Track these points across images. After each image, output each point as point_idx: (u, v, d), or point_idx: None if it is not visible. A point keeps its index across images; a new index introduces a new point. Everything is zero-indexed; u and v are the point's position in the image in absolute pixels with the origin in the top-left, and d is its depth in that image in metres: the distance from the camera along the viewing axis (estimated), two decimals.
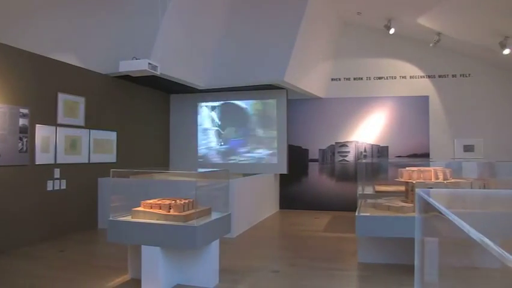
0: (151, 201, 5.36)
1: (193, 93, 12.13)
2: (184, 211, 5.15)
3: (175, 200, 5.32)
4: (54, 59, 8.22)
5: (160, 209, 5.19)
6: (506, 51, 9.14)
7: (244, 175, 10.68)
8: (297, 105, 12.31)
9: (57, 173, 8.24)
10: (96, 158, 9.27)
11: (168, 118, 12.79)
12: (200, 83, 10.50)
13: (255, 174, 11.15)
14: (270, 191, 11.89)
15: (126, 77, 9.57)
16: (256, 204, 10.33)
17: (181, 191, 6.21)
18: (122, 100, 10.25)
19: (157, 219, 5.11)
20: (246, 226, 9.37)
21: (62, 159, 8.37)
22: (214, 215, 5.54)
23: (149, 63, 8.09)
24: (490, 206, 5.03)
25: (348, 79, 12.25)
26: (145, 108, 11.43)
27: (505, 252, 1.19)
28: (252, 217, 9.89)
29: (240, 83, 10.62)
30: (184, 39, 9.33)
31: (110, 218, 5.27)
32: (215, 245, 5.46)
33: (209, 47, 10.14)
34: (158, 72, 8.42)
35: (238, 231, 8.76)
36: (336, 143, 12.19)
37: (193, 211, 5.20)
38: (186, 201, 5.30)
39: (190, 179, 6.07)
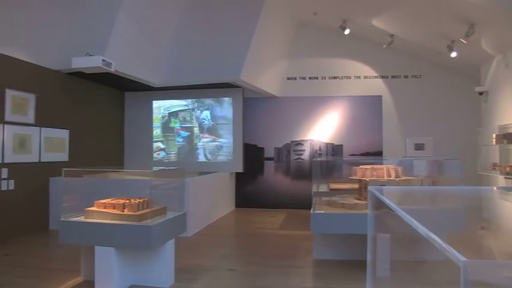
0: (104, 200, 5.26)
1: (149, 91, 11.96)
2: (138, 210, 5.08)
3: (130, 200, 5.24)
4: (1, 54, 7.90)
5: (114, 208, 5.10)
6: (453, 54, 9.50)
7: (200, 174, 10.63)
8: (253, 104, 12.35)
9: (5, 173, 7.94)
10: (47, 157, 8.99)
11: (123, 116, 12.56)
12: (155, 80, 10.37)
13: (211, 172, 11.12)
14: (226, 189, 11.89)
15: (79, 74, 9.32)
16: (212, 202, 10.31)
17: (135, 190, 6.11)
18: (75, 97, 9.99)
19: (111, 219, 5.02)
20: (202, 225, 9.34)
21: (10, 158, 8.05)
22: (170, 214, 5.49)
23: (103, 60, 7.92)
24: (438, 202, 5.21)
25: (304, 78, 12.40)
26: (99, 106, 11.18)
27: (448, 246, 1.25)
28: (208, 216, 9.86)
29: (196, 81, 10.55)
30: (140, 36, 9.19)
31: (62, 219, 5.14)
32: (170, 244, 5.42)
33: (165, 45, 10.03)
34: (112, 69, 8.26)
35: (194, 230, 8.72)
36: (291, 141, 12.32)
37: (148, 210, 5.14)
38: (141, 200, 5.23)
39: (144, 177, 5.99)
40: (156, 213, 5.25)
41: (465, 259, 1.13)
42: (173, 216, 5.45)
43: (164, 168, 9.05)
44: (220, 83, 10.82)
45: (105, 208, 5.15)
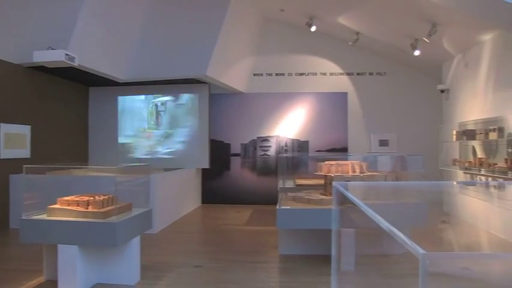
0: (68, 198, 5.16)
1: (114, 86, 11.76)
2: (103, 207, 5.02)
3: (94, 196, 5.16)
4: None
5: (78, 206, 5.01)
6: (417, 53, 9.72)
7: (166, 170, 10.55)
8: (220, 100, 12.32)
9: None
10: (7, 154, 8.74)
11: (87, 112, 12.33)
12: (121, 75, 10.21)
13: (177, 169, 11.05)
14: (192, 185, 11.84)
15: (41, 68, 9.08)
16: (178, 199, 10.25)
17: (100, 186, 6.02)
18: (36, 92, 9.74)
19: (75, 217, 4.93)
20: (168, 221, 9.28)
21: None
22: (135, 211, 5.43)
23: (66, 54, 7.75)
24: (401, 196, 5.34)
25: (270, 75, 12.45)
26: (62, 101, 10.93)
27: (408, 239, 1.29)
28: (174, 212, 9.80)
29: (162, 77, 10.44)
30: (104, 30, 9.02)
31: (23, 217, 5.01)
32: (136, 241, 5.37)
33: (130, 39, 9.89)
34: (76, 64, 8.09)
35: (160, 226, 8.65)
36: (258, 137, 12.36)
37: (112, 207, 5.07)
38: (106, 197, 5.16)
39: (109, 174, 5.91)
40: (121, 210, 5.19)
41: (423, 252, 1.18)
42: (138, 212, 5.40)
43: (129, 164, 8.93)
44: (187, 79, 10.76)
45: (68, 205, 5.06)
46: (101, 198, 5.08)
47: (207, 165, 12.15)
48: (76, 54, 8.01)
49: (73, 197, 5.21)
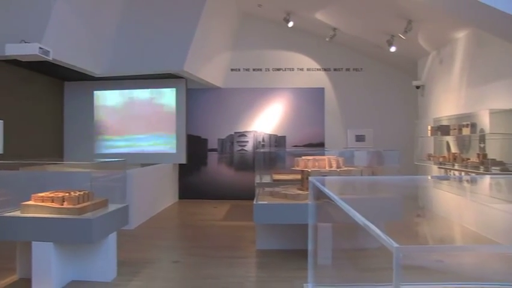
0: (42, 194, 5.08)
1: (90, 81, 11.57)
2: (78, 204, 4.95)
3: (69, 193, 5.09)
4: None
5: (53, 202, 4.94)
6: (393, 49, 9.84)
7: (143, 165, 10.47)
8: (197, 95, 12.26)
9: None
10: None
11: (62, 106, 12.13)
12: (97, 70, 10.05)
13: (154, 164, 10.97)
14: (169, 181, 11.78)
15: (14, 62, 8.87)
16: (155, 194, 10.19)
17: (75, 182, 5.95)
18: (9, 86, 9.53)
19: (50, 213, 4.86)
20: (145, 217, 9.22)
21: None
22: (111, 207, 5.38)
23: (40, 48, 7.58)
24: (377, 191, 5.41)
25: (248, 70, 12.44)
26: (37, 96, 10.73)
27: (382, 233, 1.31)
28: (151, 208, 9.74)
29: (138, 72, 10.32)
30: (80, 23, 8.86)
31: None
32: (112, 237, 5.32)
33: (107, 33, 9.74)
34: (50, 58, 7.92)
35: (137, 222, 8.59)
36: (235, 132, 12.35)
37: (88, 203, 5.02)
38: (81, 193, 5.09)
39: (85, 170, 5.85)
40: (97, 206, 5.14)
41: (397, 245, 1.20)
42: (115, 208, 5.35)
43: (105, 160, 8.82)
44: (164, 74, 10.67)
45: (43, 202, 4.98)
46: (76, 194, 5.01)
47: (184, 161, 12.10)
48: (50, 48, 7.85)
49: (47, 193, 5.13)
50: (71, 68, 9.40)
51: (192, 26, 9.47)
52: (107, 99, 12.25)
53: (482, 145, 7.52)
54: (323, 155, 7.09)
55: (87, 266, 5.18)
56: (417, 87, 11.00)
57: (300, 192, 6.42)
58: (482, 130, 7.24)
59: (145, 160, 11.37)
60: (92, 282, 5.11)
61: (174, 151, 12.00)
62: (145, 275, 5.49)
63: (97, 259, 5.18)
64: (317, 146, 11.99)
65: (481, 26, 7.06)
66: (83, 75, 10.43)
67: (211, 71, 11.30)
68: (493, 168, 6.84)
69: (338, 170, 6.33)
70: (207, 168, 12.43)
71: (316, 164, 6.37)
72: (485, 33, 7.23)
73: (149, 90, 12.05)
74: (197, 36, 9.56)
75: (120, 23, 9.80)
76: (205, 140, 12.39)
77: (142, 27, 9.77)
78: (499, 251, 5.02)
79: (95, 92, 12.18)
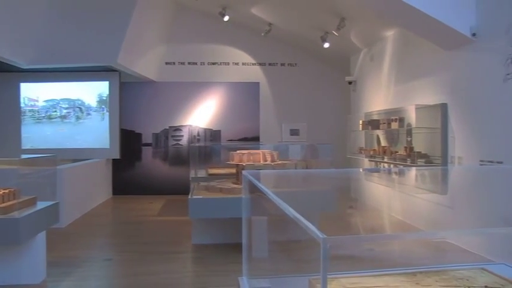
0: None
1: (15, 73, 10.99)
2: (3, 202, 4.71)
3: None
4: None
5: None
6: (326, 45, 10.08)
7: (74, 161, 10.12)
8: (131, 88, 11.98)
9: None
10: None
11: None
12: (24, 61, 9.56)
13: (86, 159, 10.63)
14: (102, 176, 11.46)
15: None
16: (87, 191, 9.88)
17: (0, 180, 5.65)
18: None
19: None
20: (77, 214, 8.92)
21: None
22: (40, 205, 5.17)
23: None
24: (311, 184, 5.52)
25: (183, 63, 12.31)
26: None
27: (310, 224, 1.35)
28: (83, 205, 9.44)
29: (69, 64, 9.95)
30: (3, 11, 8.40)
31: None
32: (41, 237, 5.11)
33: (34, 23, 9.26)
34: None
35: (69, 220, 8.30)
36: (170, 127, 12.19)
37: (14, 202, 4.78)
38: (6, 191, 4.85)
39: (11, 166, 5.56)
40: (24, 204, 4.91)
41: (324, 236, 1.24)
42: (44, 206, 5.14)
43: (33, 155, 8.44)
44: (96, 66, 10.35)
45: None
46: (0, 193, 4.77)
47: (117, 156, 11.80)
48: None
49: None
50: None
51: (125, 18, 9.22)
52: (36, 91, 11.70)
53: (409, 139, 7.88)
54: (258, 149, 7.16)
55: (13, 269, 4.93)
56: (350, 82, 11.34)
57: (235, 186, 6.46)
58: (409, 124, 7.59)
59: (77, 155, 10.97)
60: (19, 285, 4.87)
61: (107, 146, 11.68)
62: (77, 274, 5.33)
63: (24, 261, 4.95)
64: (252, 140, 12.07)
65: (406, 26, 7.38)
66: (7, 67, 9.88)
67: (145, 64, 11.08)
68: (418, 160, 7.21)
69: (273, 163, 6.42)
70: (141, 163, 12.20)
71: (251, 158, 6.42)
72: (410, 33, 7.56)
73: (81, 83, 11.64)
74: (131, 28, 9.33)
75: (50, 13, 9.36)
76: (139, 135, 12.15)
77: (73, 18, 9.39)
78: (422, 238, 5.29)
79: (22, 84, 11.59)
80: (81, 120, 11.70)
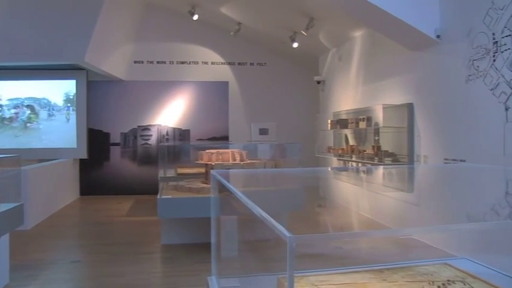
0: None
1: None
2: None
3: None
4: None
5: None
6: (295, 45, 10.15)
7: (41, 161, 9.90)
8: (98, 87, 11.79)
9: None
10: None
11: None
12: None
13: (52, 160, 10.41)
14: (70, 177, 11.25)
15: None
16: (54, 191, 9.68)
17: None
18: None
19: None
20: (43, 216, 8.73)
21: None
22: (3, 207, 5.03)
23: None
24: (280, 183, 5.55)
25: (152, 62, 12.19)
26: None
27: (276, 223, 1.36)
28: (49, 206, 9.24)
29: (35, 62, 9.73)
30: None
31: None
32: (4, 240, 4.98)
33: None
34: None
35: (34, 222, 8.11)
36: (138, 126, 12.06)
37: None
38: None
39: None
40: None
41: (290, 234, 1.25)
42: (7, 208, 5.00)
43: None
44: (63, 64, 10.16)
45: None
46: None
47: (85, 156, 11.60)
48: None
49: None
50: None
51: (93, 15, 9.06)
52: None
53: (376, 138, 8.01)
54: (227, 148, 7.16)
55: None
56: (318, 82, 11.44)
57: (204, 185, 6.44)
58: (376, 124, 7.71)
59: (43, 156, 10.74)
60: None
61: (74, 146, 11.47)
62: (42, 277, 5.21)
63: None
64: (221, 139, 12.06)
65: (373, 27, 7.50)
66: None
67: (113, 62, 10.92)
68: (385, 159, 7.34)
69: (242, 163, 6.43)
70: (109, 163, 12.03)
71: (220, 157, 6.42)
72: (378, 33, 7.69)
73: (47, 81, 11.40)
74: (99, 26, 9.17)
75: (13, 9, 9.13)
76: (108, 134, 11.98)
77: (38, 15, 9.16)
78: (389, 235, 5.39)
79: None
80: (47, 120, 11.45)
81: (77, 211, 10.03)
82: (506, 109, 4.92)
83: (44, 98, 11.56)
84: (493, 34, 5.14)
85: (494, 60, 5.12)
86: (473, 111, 5.53)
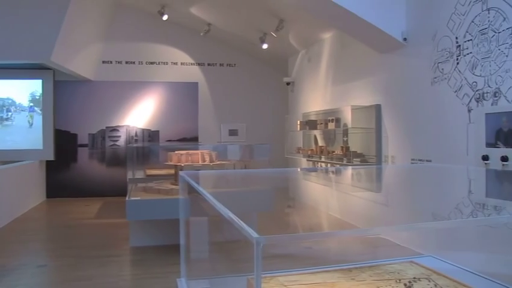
0: None
1: None
2: None
3: None
4: None
5: None
6: (265, 46, 10.21)
7: (4, 163, 9.66)
8: (65, 87, 11.56)
9: None
10: None
11: None
12: None
13: (17, 162, 10.16)
14: (35, 179, 11.00)
15: None
16: (18, 194, 9.44)
17: None
18: None
19: None
20: (7, 219, 8.51)
21: None
22: None
23: None
24: (249, 184, 5.57)
25: (120, 62, 12.03)
26: None
27: (243, 224, 1.37)
28: (13, 209, 9.01)
29: None
30: None
31: None
32: None
33: None
34: None
35: None
36: (106, 127, 11.89)
37: None
38: None
39: None
40: None
41: (257, 235, 1.26)
42: None
43: None
44: (28, 64, 9.93)
45: None
46: None
47: (51, 157, 11.36)
48: None
49: None
50: None
51: (60, 13, 8.88)
52: None
53: (345, 139, 8.11)
54: (197, 149, 7.13)
55: None
56: (288, 83, 11.52)
57: (174, 187, 6.40)
58: (345, 125, 7.81)
59: (6, 157, 10.47)
60: None
61: (40, 147, 11.22)
62: (5, 283, 5.06)
63: None
64: (191, 140, 12.02)
65: (342, 29, 7.60)
66: None
67: (81, 62, 10.73)
68: (354, 159, 7.44)
69: (211, 164, 6.42)
70: (77, 165, 11.82)
71: (190, 158, 6.39)
72: (347, 35, 7.79)
73: (12, 80, 11.12)
74: (66, 25, 9.00)
75: None
76: (75, 135, 11.76)
77: (3, 12, 8.93)
78: (357, 235, 5.47)
79: None
80: (10, 121, 11.17)
81: (43, 214, 9.81)
82: (469, 110, 5.06)
83: (8, 98, 11.27)
84: (456, 38, 5.28)
85: (457, 63, 5.26)
86: (438, 112, 5.67)
